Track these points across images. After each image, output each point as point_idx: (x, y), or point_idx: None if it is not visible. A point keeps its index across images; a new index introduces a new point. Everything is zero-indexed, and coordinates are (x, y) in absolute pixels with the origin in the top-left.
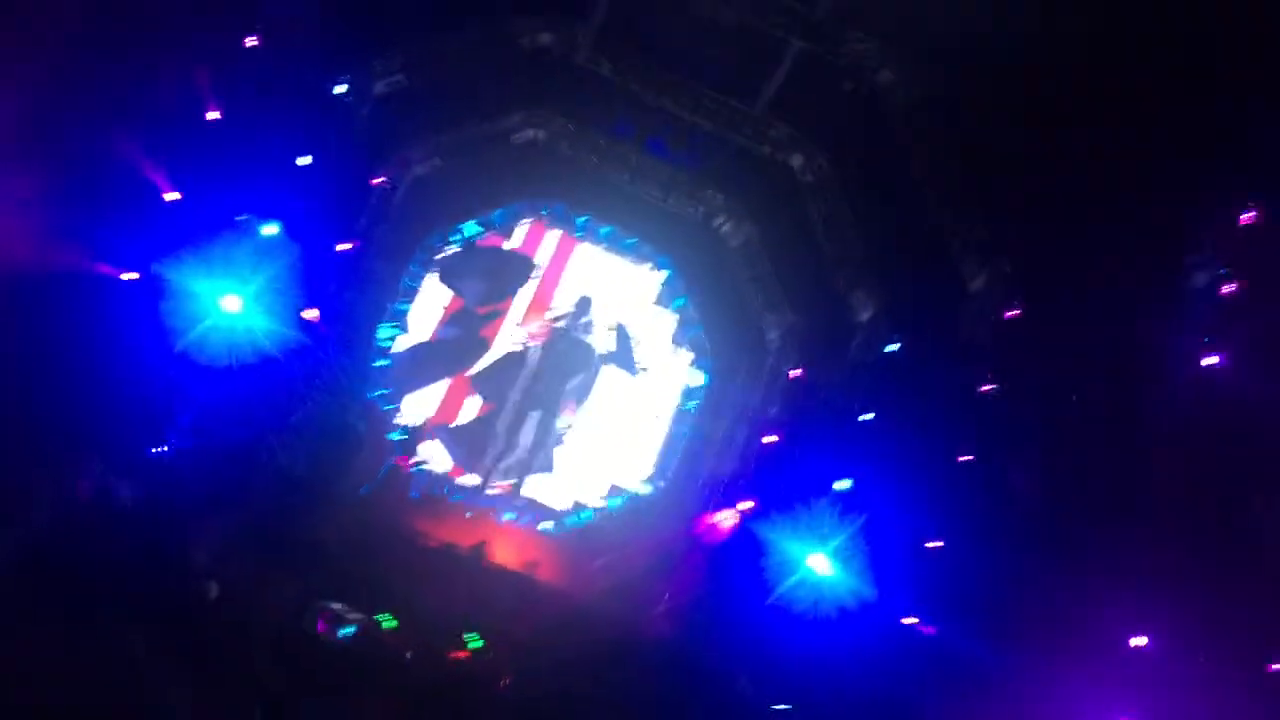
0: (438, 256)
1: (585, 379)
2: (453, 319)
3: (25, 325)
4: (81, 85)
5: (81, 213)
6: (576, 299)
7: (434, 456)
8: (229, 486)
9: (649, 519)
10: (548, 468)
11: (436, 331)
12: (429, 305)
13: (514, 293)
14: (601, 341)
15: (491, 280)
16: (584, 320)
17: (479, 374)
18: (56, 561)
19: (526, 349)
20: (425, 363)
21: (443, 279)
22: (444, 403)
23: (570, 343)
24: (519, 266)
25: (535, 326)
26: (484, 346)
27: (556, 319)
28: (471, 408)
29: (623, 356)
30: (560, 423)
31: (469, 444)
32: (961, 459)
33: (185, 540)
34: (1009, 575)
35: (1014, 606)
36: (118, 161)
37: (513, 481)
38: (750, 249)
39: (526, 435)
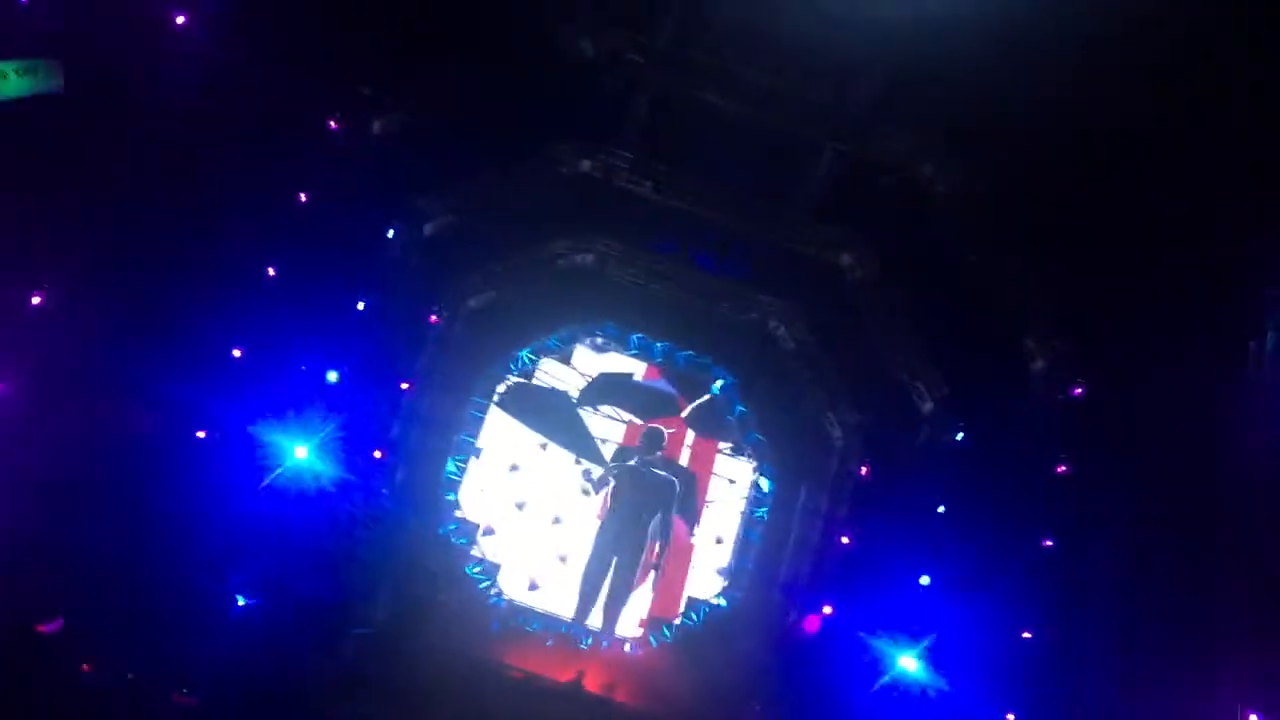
0: (499, 387)
1: (664, 516)
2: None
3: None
4: (141, 248)
5: (149, 373)
6: (644, 431)
7: (509, 587)
8: (313, 638)
9: (729, 630)
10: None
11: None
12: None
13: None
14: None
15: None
16: (657, 454)
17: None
18: None
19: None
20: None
21: (503, 407)
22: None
23: (646, 480)
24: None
25: (604, 471)
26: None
27: (624, 458)
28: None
29: (687, 502)
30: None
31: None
32: (1042, 544)
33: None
34: (1102, 664)
35: (1110, 696)
36: (183, 322)
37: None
38: (806, 350)
39: (610, 583)
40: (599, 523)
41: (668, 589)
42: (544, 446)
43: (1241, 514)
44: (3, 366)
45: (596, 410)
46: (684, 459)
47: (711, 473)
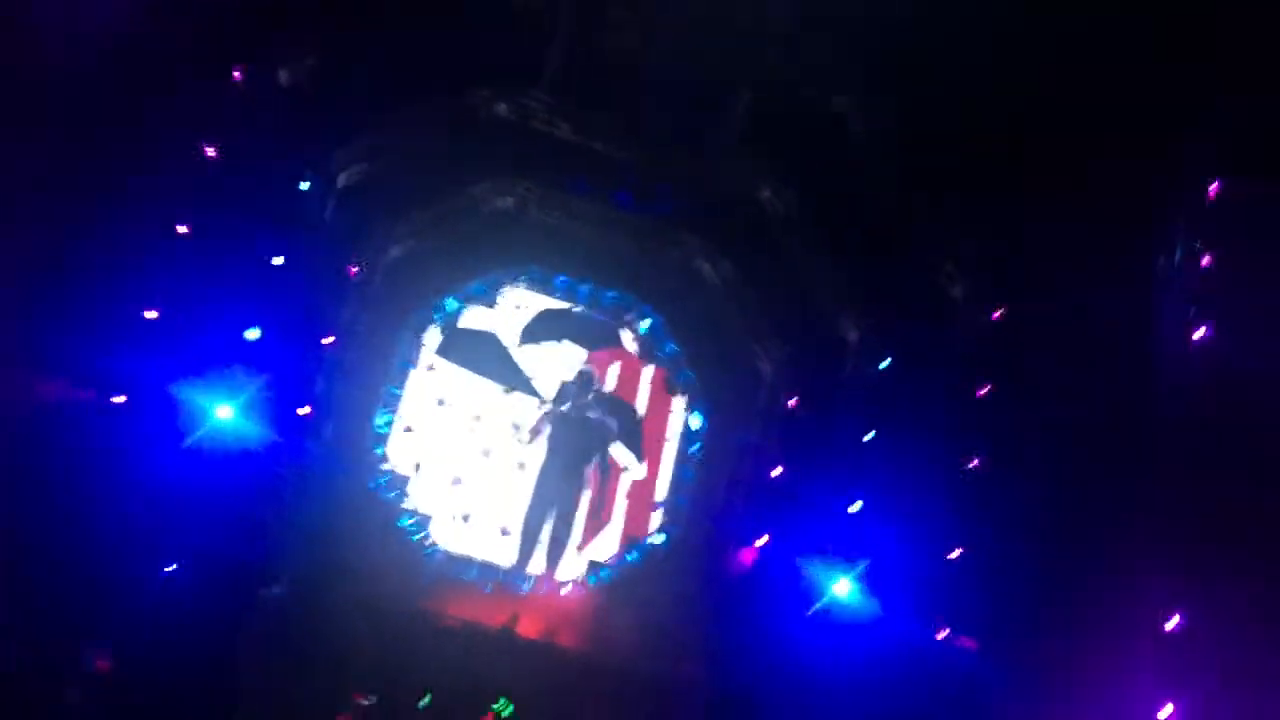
0: (424, 337)
1: (601, 460)
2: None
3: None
4: (41, 209)
5: (62, 339)
6: (576, 374)
7: (443, 538)
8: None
9: (667, 567)
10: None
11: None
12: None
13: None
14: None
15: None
16: (589, 397)
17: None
18: None
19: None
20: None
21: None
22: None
23: (579, 424)
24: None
25: (536, 419)
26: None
27: (558, 403)
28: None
29: (631, 439)
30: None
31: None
32: (968, 465)
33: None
34: (1031, 576)
35: (1042, 606)
36: (91, 286)
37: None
38: (731, 285)
39: (551, 529)
40: (537, 471)
41: (606, 530)
42: (480, 390)
43: (1155, 420)
44: None
45: (539, 345)
46: (643, 396)
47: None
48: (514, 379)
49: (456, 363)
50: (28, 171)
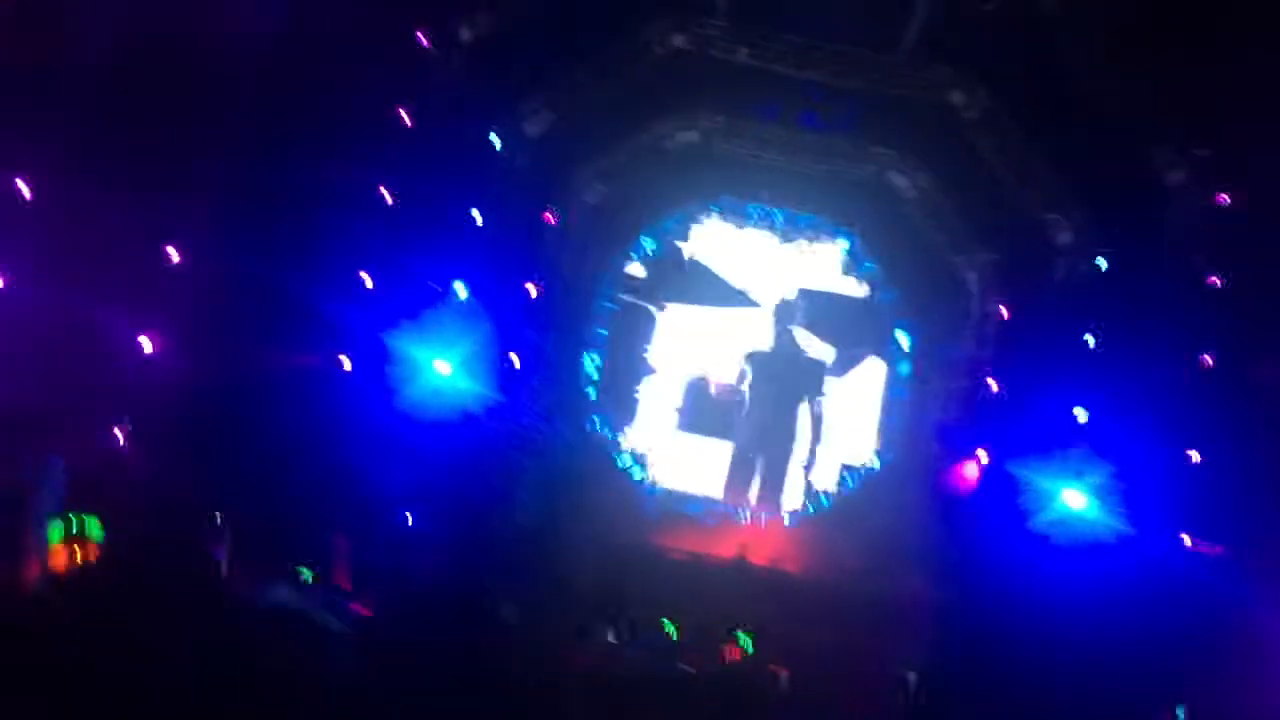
0: (625, 276)
1: (813, 398)
2: None
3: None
4: (253, 186)
5: (284, 311)
6: (774, 309)
7: (662, 475)
8: (475, 546)
9: (886, 491)
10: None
11: None
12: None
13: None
14: (816, 349)
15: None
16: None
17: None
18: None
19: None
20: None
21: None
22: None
23: (790, 362)
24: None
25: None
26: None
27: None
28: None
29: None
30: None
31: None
32: (1201, 362)
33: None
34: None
35: None
36: (306, 258)
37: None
38: (929, 197)
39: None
40: (745, 412)
41: (825, 457)
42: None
43: None
44: (150, 321)
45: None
46: None
47: None
48: (731, 298)
49: (671, 300)
50: (236, 151)
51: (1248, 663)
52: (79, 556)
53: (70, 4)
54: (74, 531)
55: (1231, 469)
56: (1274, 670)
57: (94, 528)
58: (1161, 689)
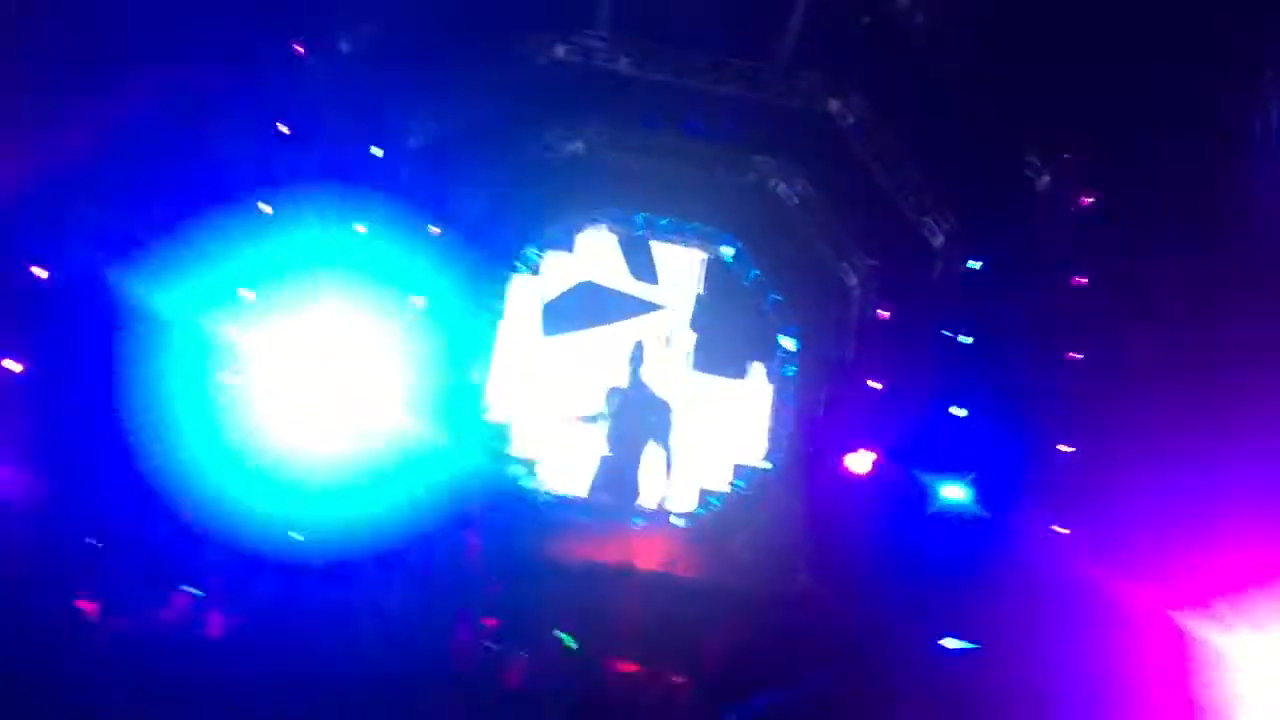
0: (507, 288)
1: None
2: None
3: None
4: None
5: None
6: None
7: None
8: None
9: (775, 490)
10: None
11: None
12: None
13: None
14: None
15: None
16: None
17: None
18: None
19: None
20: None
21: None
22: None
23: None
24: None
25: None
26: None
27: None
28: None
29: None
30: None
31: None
32: (1069, 356)
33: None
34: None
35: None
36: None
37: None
38: (810, 203)
39: (651, 468)
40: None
41: (713, 459)
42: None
43: (1260, 294)
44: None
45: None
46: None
47: None
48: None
49: (563, 330)
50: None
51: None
52: None
53: None
54: None
55: (1096, 458)
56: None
57: None
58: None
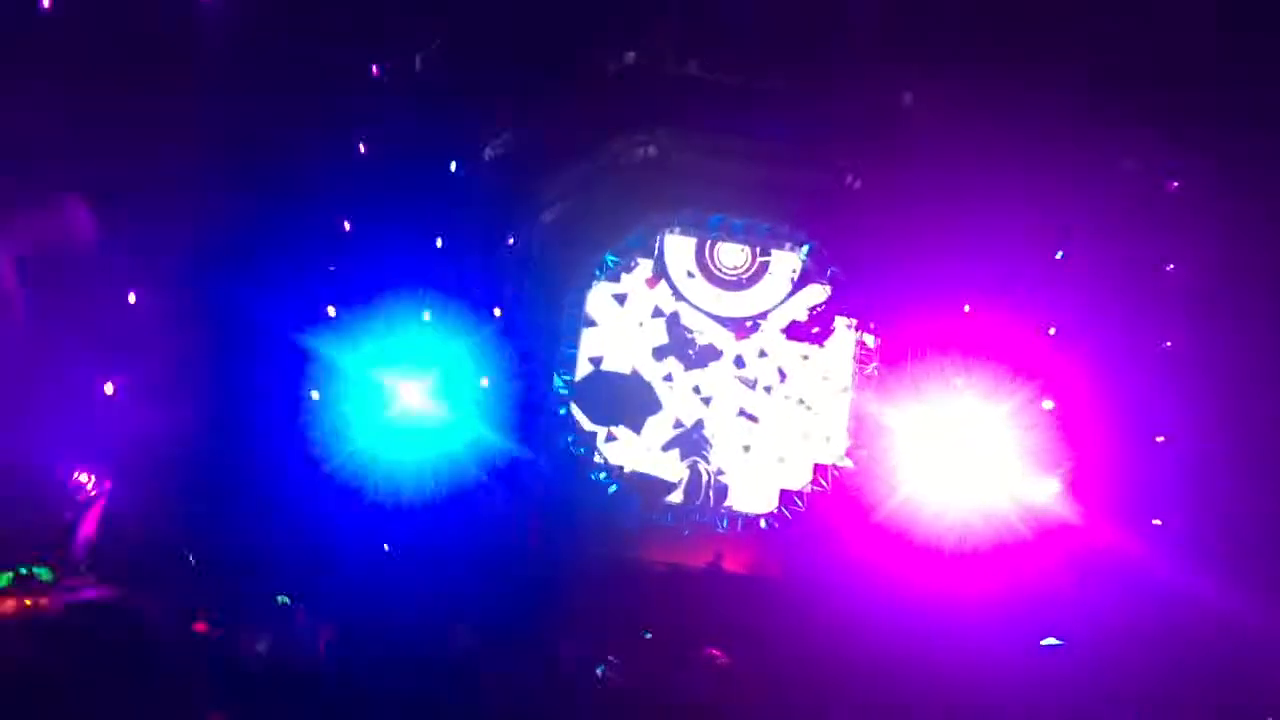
0: (589, 294)
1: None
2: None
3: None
4: (220, 223)
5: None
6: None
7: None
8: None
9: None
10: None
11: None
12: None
13: None
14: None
15: None
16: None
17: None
18: None
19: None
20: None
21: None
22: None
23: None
24: None
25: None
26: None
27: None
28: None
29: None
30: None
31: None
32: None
33: None
34: None
35: None
36: (261, 284)
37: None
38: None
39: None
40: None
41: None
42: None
43: None
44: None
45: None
46: None
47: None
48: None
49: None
50: (202, 189)
51: None
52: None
53: None
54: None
55: None
56: None
57: (44, 573)
58: None
